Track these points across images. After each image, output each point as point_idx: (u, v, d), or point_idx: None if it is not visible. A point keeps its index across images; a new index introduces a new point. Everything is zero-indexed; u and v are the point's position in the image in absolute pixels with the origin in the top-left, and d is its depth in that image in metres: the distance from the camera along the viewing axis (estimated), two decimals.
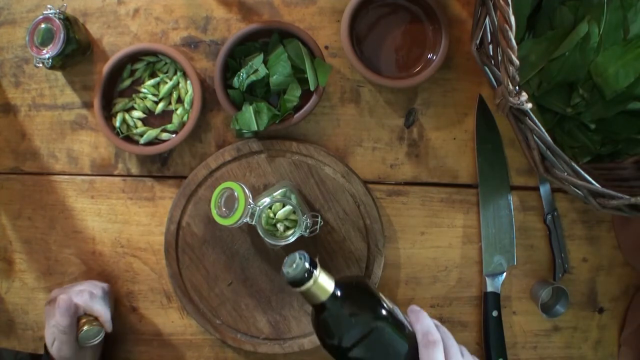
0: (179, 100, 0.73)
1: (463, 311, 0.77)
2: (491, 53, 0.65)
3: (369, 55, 0.72)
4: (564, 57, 0.67)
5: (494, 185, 0.75)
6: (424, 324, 0.57)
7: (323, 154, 0.72)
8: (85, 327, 0.65)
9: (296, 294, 0.74)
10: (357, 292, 0.58)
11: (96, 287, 0.70)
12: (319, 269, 0.54)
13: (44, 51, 0.66)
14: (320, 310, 0.56)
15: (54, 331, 0.66)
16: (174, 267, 0.74)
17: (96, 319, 0.67)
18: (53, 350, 0.66)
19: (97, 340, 0.66)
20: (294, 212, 0.66)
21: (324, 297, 0.54)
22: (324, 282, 0.54)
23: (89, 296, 0.67)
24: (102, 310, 0.67)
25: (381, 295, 0.59)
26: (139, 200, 0.76)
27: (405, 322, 0.58)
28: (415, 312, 0.58)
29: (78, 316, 0.66)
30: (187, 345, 0.78)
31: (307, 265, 0.53)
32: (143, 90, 0.72)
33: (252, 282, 0.74)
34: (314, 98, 0.70)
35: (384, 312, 0.57)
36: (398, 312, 0.59)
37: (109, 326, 0.68)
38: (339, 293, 0.55)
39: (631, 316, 0.78)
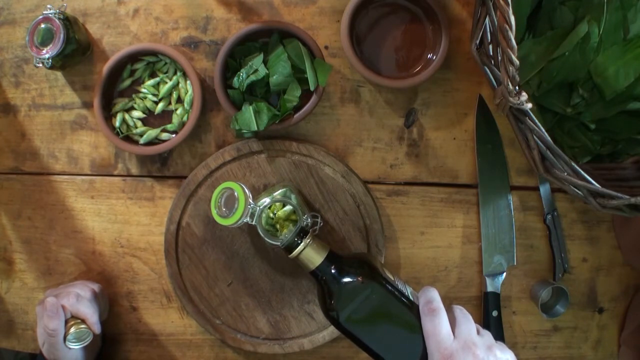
0: (179, 100, 0.73)
1: None
2: (491, 53, 0.65)
3: (369, 55, 0.72)
4: (564, 57, 0.67)
5: (494, 185, 0.75)
6: (427, 294, 0.57)
7: (323, 154, 0.72)
8: (72, 330, 0.65)
9: (296, 294, 0.74)
10: (353, 260, 0.60)
11: (84, 289, 0.69)
12: (309, 236, 0.60)
13: (44, 51, 0.66)
14: (317, 278, 0.60)
15: (42, 333, 0.66)
16: (174, 267, 0.74)
17: (84, 321, 0.67)
18: (44, 352, 0.66)
19: (85, 342, 0.66)
20: (294, 212, 0.66)
21: (317, 262, 0.59)
22: (316, 248, 0.60)
23: (75, 298, 0.66)
24: (89, 313, 0.67)
25: (384, 269, 0.60)
26: (139, 200, 0.76)
27: (412, 298, 0.59)
28: (423, 288, 0.59)
29: (66, 318, 0.66)
30: (187, 345, 0.78)
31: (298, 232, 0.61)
32: (143, 90, 0.72)
33: (252, 282, 0.74)
34: (313, 98, 0.70)
35: (381, 279, 0.58)
36: (405, 287, 0.60)
37: (96, 328, 0.67)
38: (333, 260, 0.60)
39: (631, 316, 0.78)
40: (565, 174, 0.61)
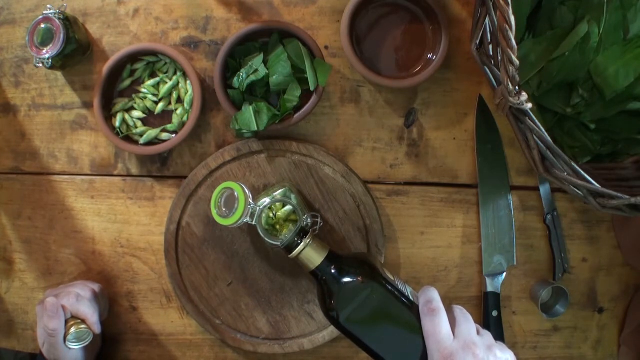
0: (179, 100, 0.73)
1: None
2: (491, 53, 0.65)
3: (369, 55, 0.72)
4: (564, 57, 0.67)
5: (494, 185, 0.75)
6: (427, 294, 0.57)
7: (323, 154, 0.72)
8: (72, 330, 0.65)
9: (296, 294, 0.74)
10: (353, 260, 0.60)
11: (84, 289, 0.69)
12: (309, 236, 0.60)
13: (44, 51, 0.66)
14: (317, 278, 0.60)
15: (42, 333, 0.66)
16: (174, 267, 0.74)
17: (84, 321, 0.67)
18: (44, 352, 0.66)
19: (86, 342, 0.66)
20: (294, 212, 0.66)
21: (317, 262, 0.59)
22: (316, 248, 0.60)
23: (75, 298, 0.66)
24: (89, 313, 0.67)
25: (384, 269, 0.60)
26: (139, 200, 0.76)
27: (412, 298, 0.59)
28: (423, 288, 0.59)
29: (66, 319, 0.66)
30: (187, 345, 0.78)
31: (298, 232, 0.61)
32: (143, 90, 0.72)
33: (252, 282, 0.74)
34: (313, 98, 0.70)
35: (381, 279, 0.58)
36: (405, 287, 0.60)
37: (96, 328, 0.67)
38: (333, 260, 0.60)
39: (631, 316, 0.78)
40: (565, 174, 0.61)
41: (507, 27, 0.53)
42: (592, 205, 0.61)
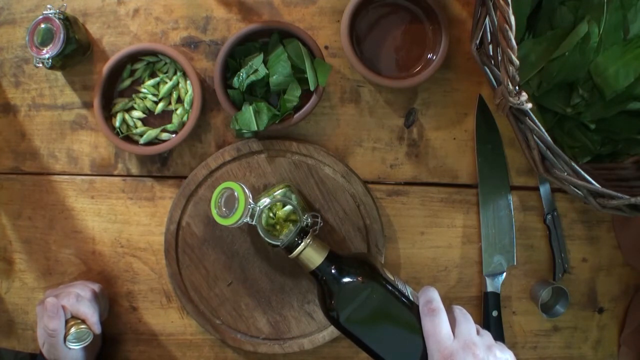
0: (179, 100, 0.73)
1: None
2: (491, 53, 0.65)
3: (369, 55, 0.72)
4: (564, 57, 0.67)
5: (494, 185, 0.75)
6: (427, 294, 0.57)
7: (323, 154, 0.72)
8: (72, 330, 0.65)
9: (296, 294, 0.74)
10: (353, 260, 0.60)
11: (84, 289, 0.69)
12: (309, 236, 0.60)
13: (44, 51, 0.66)
14: (317, 278, 0.60)
15: (42, 333, 0.66)
16: (174, 267, 0.74)
17: (84, 321, 0.67)
18: (44, 352, 0.66)
19: (86, 342, 0.66)
20: (294, 212, 0.66)
21: (317, 262, 0.60)
22: (316, 248, 0.60)
23: (75, 298, 0.66)
24: (89, 313, 0.67)
25: (384, 269, 0.60)
26: (139, 200, 0.76)
27: (412, 298, 0.59)
28: (423, 288, 0.59)
29: (66, 319, 0.66)
30: (187, 345, 0.78)
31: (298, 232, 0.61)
32: (143, 90, 0.72)
33: (252, 282, 0.74)
34: (313, 98, 0.70)
35: (381, 279, 0.58)
36: (405, 287, 0.60)
37: (96, 328, 0.67)
38: (333, 260, 0.60)
39: (631, 316, 0.78)
40: (565, 174, 0.61)
41: (507, 27, 0.53)
42: (592, 205, 0.61)
